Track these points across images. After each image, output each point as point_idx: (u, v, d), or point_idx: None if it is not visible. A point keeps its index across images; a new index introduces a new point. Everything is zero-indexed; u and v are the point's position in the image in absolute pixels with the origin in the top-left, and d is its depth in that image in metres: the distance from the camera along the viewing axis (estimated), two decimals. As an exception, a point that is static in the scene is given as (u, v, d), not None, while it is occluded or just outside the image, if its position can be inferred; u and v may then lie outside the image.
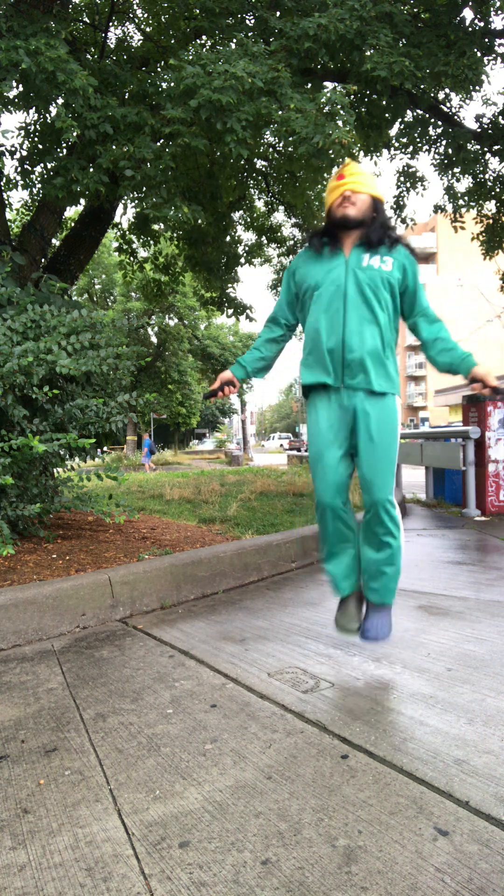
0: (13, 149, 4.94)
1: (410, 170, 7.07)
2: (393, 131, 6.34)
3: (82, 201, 5.13)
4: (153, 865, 1.20)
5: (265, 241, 9.15)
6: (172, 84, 4.29)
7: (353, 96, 5.23)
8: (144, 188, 4.32)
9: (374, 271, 2.11)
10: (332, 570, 2.34)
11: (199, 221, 7.23)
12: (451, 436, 6.76)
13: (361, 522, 2.24)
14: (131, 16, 6.69)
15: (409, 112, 5.98)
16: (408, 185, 7.16)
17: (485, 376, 2.10)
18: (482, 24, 5.32)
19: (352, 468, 2.24)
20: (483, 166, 6.19)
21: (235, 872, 1.17)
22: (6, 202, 5.56)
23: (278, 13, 5.10)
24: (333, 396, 2.17)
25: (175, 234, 7.98)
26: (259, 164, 7.85)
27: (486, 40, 5.23)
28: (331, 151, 3.99)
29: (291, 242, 9.39)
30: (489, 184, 6.37)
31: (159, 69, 5.66)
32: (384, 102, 5.27)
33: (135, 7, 6.68)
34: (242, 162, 6.43)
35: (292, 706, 1.87)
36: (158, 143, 4.56)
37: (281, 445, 51.26)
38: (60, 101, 4.09)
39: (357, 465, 2.19)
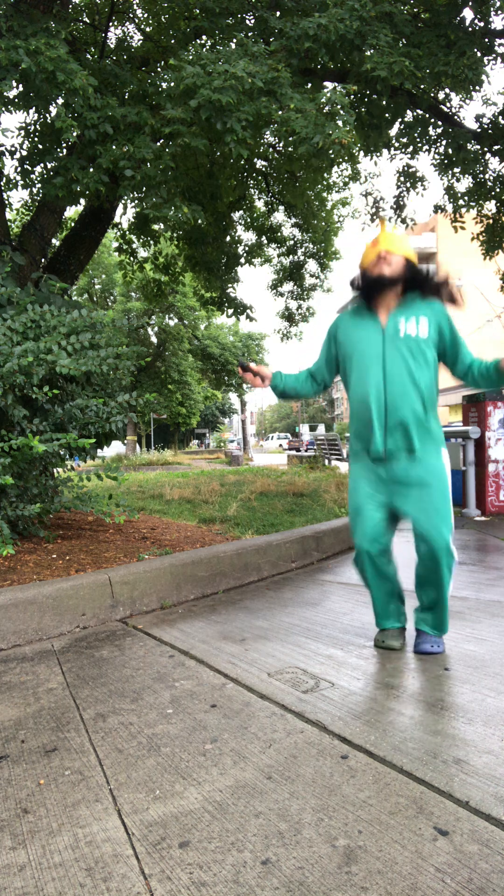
0: (13, 149, 4.93)
1: (410, 170, 7.06)
2: (393, 131, 6.34)
3: (82, 201, 5.12)
4: (153, 865, 1.20)
5: (265, 241, 9.15)
6: (172, 84, 4.28)
7: (353, 96, 5.23)
8: (144, 188, 4.32)
9: (412, 340, 2.19)
10: (376, 610, 2.46)
11: (199, 221, 7.23)
12: (451, 436, 6.76)
13: (418, 567, 2.31)
14: (131, 16, 6.69)
15: (409, 112, 5.98)
16: (408, 185, 7.15)
17: None
18: (482, 24, 5.32)
19: (391, 523, 2.36)
20: (483, 166, 6.19)
21: (235, 872, 1.17)
22: (6, 202, 5.55)
23: (278, 13, 5.10)
24: (378, 461, 2.29)
25: (175, 234, 7.97)
26: (259, 164, 7.85)
27: (486, 40, 5.22)
28: (331, 151, 3.99)
29: (291, 242, 9.39)
30: (489, 184, 6.37)
31: (159, 69, 5.65)
32: (384, 102, 5.26)
33: (135, 7, 6.68)
34: (242, 162, 6.43)
35: (292, 706, 1.88)
36: (158, 143, 4.56)
37: (280, 445, 51.23)
38: (60, 101, 4.09)
39: (411, 522, 2.27)
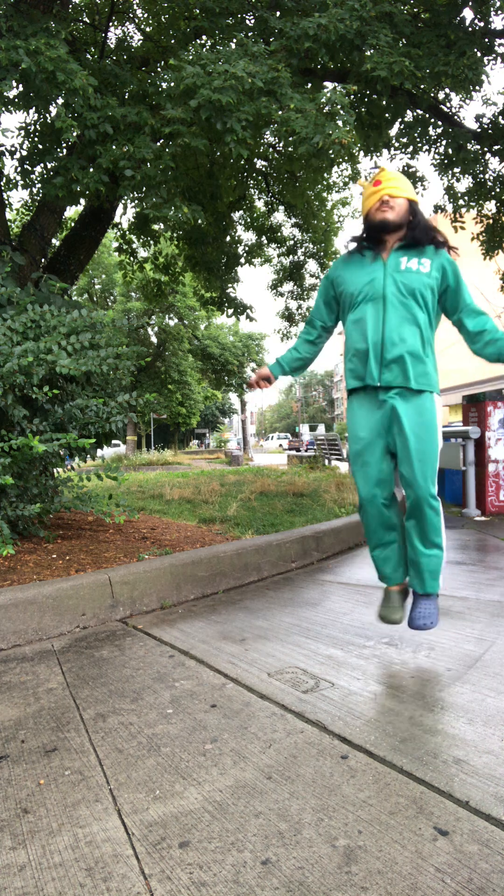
0: (13, 149, 4.93)
1: (410, 170, 7.06)
2: (393, 131, 6.34)
3: (82, 201, 5.12)
4: (153, 865, 1.20)
5: (265, 241, 9.15)
6: (172, 84, 4.28)
7: (353, 96, 5.23)
8: (144, 188, 4.32)
9: (413, 274, 2.16)
10: (378, 563, 2.41)
11: (199, 221, 7.23)
12: (451, 436, 6.76)
13: (405, 517, 2.28)
14: (131, 16, 6.69)
15: (409, 112, 5.98)
16: (408, 185, 7.14)
17: None
18: (482, 24, 5.32)
19: (392, 465, 2.31)
20: (483, 166, 6.19)
21: (235, 872, 1.17)
22: (6, 202, 5.55)
23: (278, 13, 5.10)
24: (373, 396, 2.24)
25: (175, 234, 7.97)
26: (259, 164, 7.85)
27: (486, 40, 5.22)
28: (331, 151, 3.99)
29: (291, 242, 9.39)
30: (489, 184, 6.37)
31: (159, 69, 5.65)
32: (384, 102, 5.26)
33: (135, 7, 6.68)
34: (242, 162, 6.43)
35: (292, 706, 1.88)
36: (158, 143, 4.55)
37: (280, 445, 51.22)
38: (60, 101, 4.09)
39: (398, 463, 2.24)
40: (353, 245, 2.34)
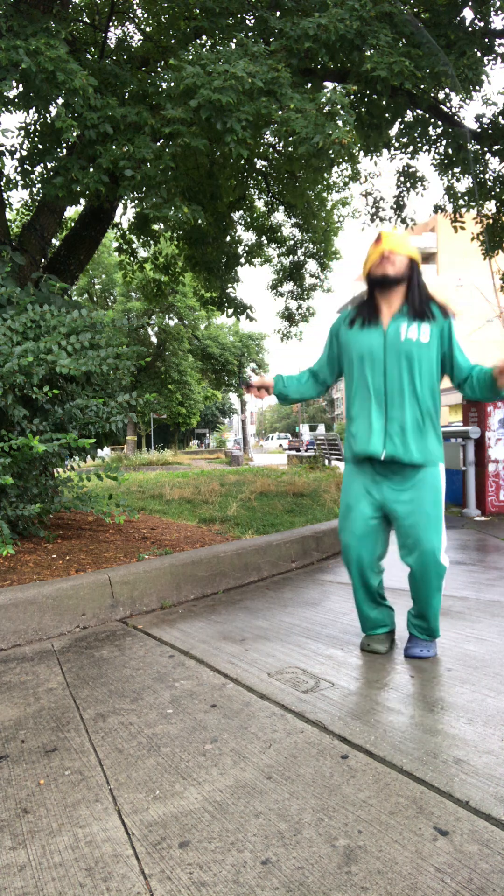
0: (13, 149, 4.93)
1: (410, 170, 7.06)
2: (393, 131, 6.34)
3: (82, 201, 5.12)
4: (153, 865, 1.20)
5: (265, 241, 9.14)
6: (172, 84, 4.28)
7: (353, 96, 5.23)
8: (144, 188, 4.32)
9: (413, 345, 2.18)
10: (360, 616, 2.42)
11: (199, 221, 7.23)
12: (451, 436, 6.76)
13: (410, 576, 2.29)
14: (131, 16, 6.68)
15: (409, 112, 5.98)
16: (408, 185, 7.15)
17: (500, 366, 2.12)
18: (482, 24, 5.32)
19: (383, 530, 2.32)
20: (483, 166, 6.19)
21: (235, 872, 1.17)
22: (6, 202, 5.55)
23: (278, 13, 5.10)
24: (373, 466, 2.27)
25: (175, 234, 7.97)
26: (259, 164, 7.85)
27: (486, 40, 5.22)
28: (331, 151, 3.99)
29: (291, 242, 9.39)
30: (489, 184, 6.37)
31: (159, 69, 5.65)
32: (384, 102, 5.26)
33: (135, 7, 6.68)
34: (242, 162, 6.43)
35: (292, 706, 1.88)
36: (158, 143, 4.55)
37: (280, 445, 51.22)
38: (60, 101, 4.09)
39: (399, 532, 2.26)
40: (354, 311, 2.35)
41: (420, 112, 6.01)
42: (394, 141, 6.60)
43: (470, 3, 5.17)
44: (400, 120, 6.01)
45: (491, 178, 6.35)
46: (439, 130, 6.24)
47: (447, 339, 2.23)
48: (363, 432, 2.25)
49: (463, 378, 2.24)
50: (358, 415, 2.28)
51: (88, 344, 3.55)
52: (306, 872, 1.16)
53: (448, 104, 6.31)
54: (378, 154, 6.58)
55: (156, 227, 7.70)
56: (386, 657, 2.30)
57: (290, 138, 4.15)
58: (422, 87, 5.09)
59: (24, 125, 4.92)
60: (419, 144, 6.42)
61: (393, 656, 2.31)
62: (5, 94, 3.78)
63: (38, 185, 5.19)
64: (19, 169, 4.98)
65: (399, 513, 2.22)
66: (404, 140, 6.47)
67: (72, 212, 11.87)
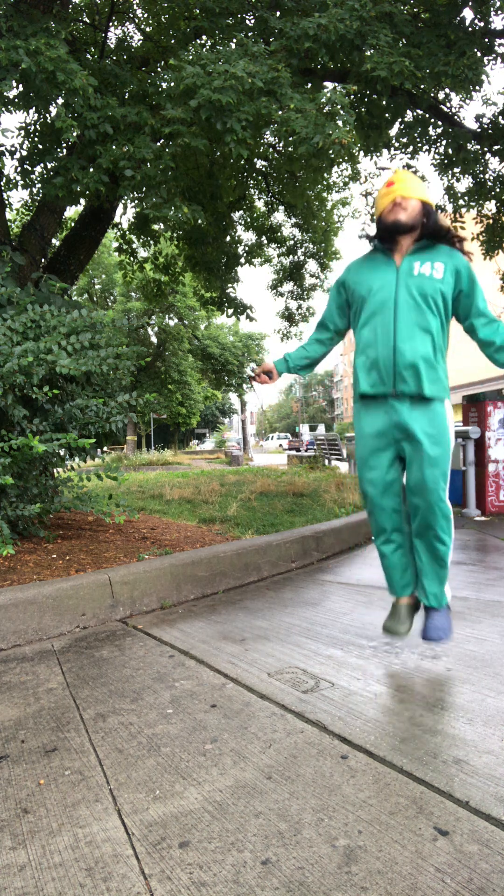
0: (13, 149, 4.93)
1: (410, 170, 7.06)
2: (393, 131, 6.34)
3: (82, 201, 5.12)
4: (153, 865, 1.20)
5: (265, 241, 9.14)
6: (172, 84, 4.28)
7: (353, 96, 5.23)
8: (144, 188, 4.32)
9: (426, 279, 2.14)
10: (386, 568, 2.38)
11: (199, 221, 7.23)
12: (451, 436, 6.74)
13: (414, 524, 2.25)
14: (131, 16, 6.68)
15: (409, 112, 5.98)
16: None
17: None
18: (482, 24, 5.32)
19: (400, 471, 2.29)
20: (483, 166, 6.18)
21: (235, 872, 1.17)
22: (6, 202, 5.55)
23: (278, 13, 5.10)
24: (383, 402, 2.22)
25: (175, 234, 7.97)
26: (259, 164, 7.85)
27: (486, 40, 5.22)
28: (331, 151, 3.99)
29: (291, 242, 9.39)
30: (489, 184, 6.36)
31: (159, 69, 5.65)
32: (384, 102, 5.26)
33: (135, 7, 6.68)
34: (242, 162, 6.43)
35: (292, 706, 1.87)
36: (158, 143, 4.55)
37: (280, 445, 51.21)
38: (60, 101, 4.09)
39: (407, 469, 2.22)
40: (367, 242, 2.31)
41: (420, 112, 6.01)
42: (394, 141, 6.59)
43: (470, 3, 5.17)
44: (400, 120, 6.01)
45: (491, 178, 6.34)
46: (439, 130, 6.24)
47: (466, 279, 2.18)
48: (373, 367, 2.20)
49: (485, 339, 2.19)
50: (367, 350, 2.22)
51: (88, 344, 3.55)
52: (306, 872, 1.16)
53: (448, 104, 6.31)
54: (378, 154, 6.57)
55: (156, 227, 7.70)
56: (386, 658, 2.30)
57: (290, 138, 4.15)
58: (422, 87, 5.08)
59: (24, 125, 4.92)
60: (419, 144, 6.41)
61: (393, 656, 2.31)
62: (5, 94, 3.78)
63: (38, 185, 5.19)
64: (19, 169, 4.98)
65: (408, 448, 2.19)
66: (404, 140, 6.46)
67: (72, 212, 11.87)
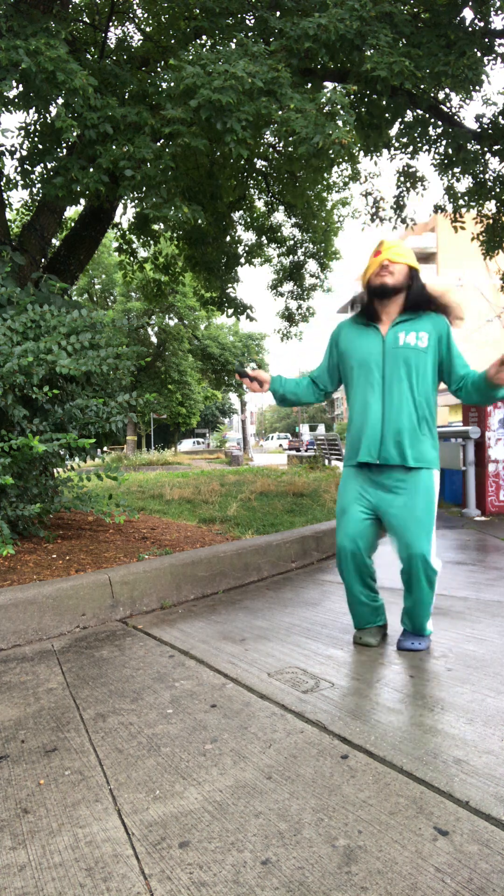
0: (13, 149, 4.93)
1: (410, 170, 7.06)
2: (393, 131, 6.33)
3: (82, 201, 5.12)
4: (153, 865, 1.20)
5: (265, 241, 9.14)
6: (172, 84, 4.28)
7: (353, 96, 5.22)
8: (144, 188, 4.32)
9: (410, 350, 2.21)
10: (354, 614, 2.46)
11: (199, 221, 7.23)
12: (451, 436, 6.76)
13: (401, 573, 2.33)
14: (131, 16, 6.68)
15: (409, 112, 5.97)
16: (408, 185, 7.15)
17: (495, 363, 2.13)
18: (482, 24, 5.31)
19: (376, 528, 2.36)
20: (483, 166, 6.18)
21: (235, 872, 1.17)
22: (6, 202, 5.55)
23: (278, 13, 5.09)
24: (369, 471, 2.31)
25: (175, 234, 7.97)
26: (259, 164, 7.85)
27: (486, 40, 5.22)
28: (331, 151, 3.99)
29: (291, 242, 9.39)
30: (489, 184, 6.36)
31: (159, 69, 5.65)
32: (384, 102, 5.26)
33: (135, 7, 6.68)
34: (242, 162, 6.43)
35: (292, 706, 1.88)
36: (158, 143, 4.55)
37: (280, 445, 51.19)
38: (60, 101, 4.08)
39: (390, 530, 2.29)
40: (353, 320, 2.38)
41: (420, 112, 6.00)
42: (394, 141, 6.59)
43: (470, 3, 5.17)
44: (400, 120, 6.00)
45: (491, 178, 6.34)
46: (439, 130, 6.24)
47: (445, 345, 2.25)
48: (360, 436, 2.29)
49: (459, 385, 2.26)
50: (356, 419, 2.32)
51: (88, 344, 3.55)
52: (306, 872, 1.16)
53: (448, 104, 6.31)
54: (378, 154, 6.57)
55: (156, 227, 7.70)
56: (386, 658, 2.30)
57: (290, 138, 4.15)
58: (422, 87, 5.08)
59: (24, 125, 4.92)
60: (419, 144, 6.41)
61: (393, 657, 2.31)
62: (5, 94, 3.78)
63: (38, 185, 5.19)
64: (19, 169, 4.97)
65: (391, 517, 2.25)
66: (404, 140, 6.46)
67: (72, 212, 11.87)
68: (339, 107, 4.15)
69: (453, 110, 6.32)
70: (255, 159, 7.36)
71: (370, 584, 2.41)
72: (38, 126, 4.94)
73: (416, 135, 6.23)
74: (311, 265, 9.77)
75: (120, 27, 6.77)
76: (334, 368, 2.48)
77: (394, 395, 2.21)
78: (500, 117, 5.85)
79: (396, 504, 2.24)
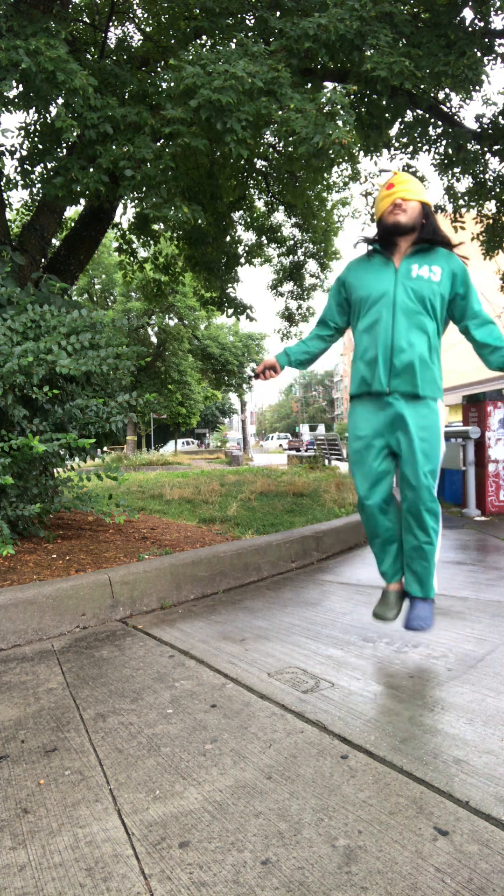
0: (13, 149, 4.93)
1: (410, 170, 7.05)
2: (393, 131, 6.33)
3: (82, 201, 5.12)
4: (153, 865, 1.20)
5: (265, 241, 9.14)
6: (172, 84, 4.28)
7: (353, 96, 5.22)
8: (144, 188, 4.32)
9: (423, 282, 2.20)
10: (378, 558, 2.44)
11: (199, 221, 7.22)
12: (451, 436, 6.76)
13: (402, 514, 2.31)
14: (131, 16, 6.68)
15: (409, 112, 5.97)
16: (408, 185, 7.13)
17: None
18: (482, 24, 5.31)
19: (393, 468, 2.34)
20: (483, 166, 6.18)
21: (235, 872, 1.17)
22: (6, 202, 5.55)
23: (278, 13, 5.09)
24: (378, 400, 2.28)
25: (175, 234, 7.97)
26: (259, 164, 7.84)
27: (486, 40, 5.21)
28: (331, 151, 3.99)
29: (291, 242, 9.38)
30: (489, 184, 6.36)
31: (159, 69, 5.65)
32: (384, 102, 5.26)
33: (135, 7, 6.67)
34: (242, 162, 6.43)
35: (292, 706, 1.87)
36: (158, 143, 4.55)
37: (280, 445, 51.19)
38: (60, 101, 4.08)
39: (401, 464, 2.27)
40: (366, 247, 2.37)
41: (420, 112, 6.00)
42: (394, 141, 6.59)
43: (470, 3, 5.16)
44: (400, 120, 6.00)
45: (491, 178, 6.34)
46: (439, 130, 6.24)
47: (461, 283, 2.24)
48: (370, 366, 2.26)
49: (480, 341, 2.24)
50: (365, 350, 2.28)
51: (88, 344, 3.55)
52: (306, 872, 1.16)
53: (448, 104, 6.31)
54: (378, 154, 6.57)
55: (156, 227, 7.70)
56: (386, 658, 2.30)
57: (290, 138, 4.15)
58: (422, 87, 5.08)
59: (24, 125, 4.92)
60: (419, 144, 6.41)
61: (393, 656, 2.31)
62: (5, 94, 3.77)
63: (38, 185, 5.19)
64: (19, 169, 4.97)
65: (401, 444, 2.23)
66: (404, 140, 6.46)
67: (72, 212, 11.87)
68: (339, 107, 4.15)
69: (453, 110, 6.32)
70: (255, 159, 7.36)
71: (394, 528, 2.37)
72: (38, 126, 4.94)
73: (416, 135, 6.23)
74: (311, 265, 9.77)
75: (120, 27, 6.77)
76: (343, 302, 2.44)
77: (405, 324, 2.19)
78: (500, 117, 5.84)
79: (403, 439, 2.22)
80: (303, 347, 2.52)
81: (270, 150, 7.26)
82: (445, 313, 2.28)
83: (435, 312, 2.21)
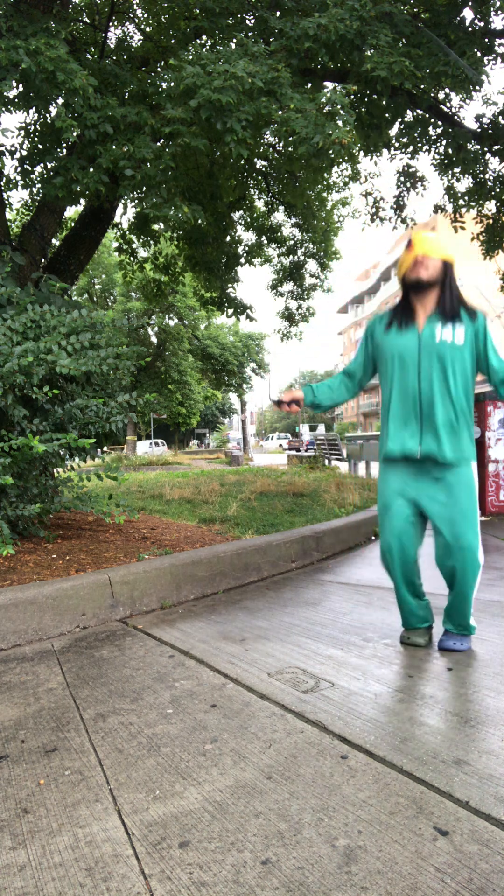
0: (13, 149, 4.93)
1: (410, 170, 7.06)
2: (393, 131, 6.33)
3: (82, 201, 5.12)
4: (153, 865, 1.20)
5: (265, 241, 9.14)
6: (172, 84, 4.28)
7: (353, 96, 5.23)
8: (144, 188, 4.32)
9: (447, 346, 2.22)
10: (401, 609, 2.48)
11: (199, 221, 7.23)
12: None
13: (445, 573, 2.35)
14: (131, 16, 6.68)
15: (409, 112, 5.98)
16: (408, 185, 7.15)
17: None
18: (482, 24, 5.32)
19: (420, 525, 2.37)
20: (483, 166, 6.19)
21: (235, 872, 1.17)
22: (6, 202, 5.55)
23: (278, 13, 5.09)
24: (409, 466, 2.32)
25: (175, 234, 7.97)
26: (259, 164, 7.85)
27: (486, 40, 5.22)
28: (331, 151, 3.99)
29: (291, 242, 9.39)
30: (489, 184, 6.36)
31: (159, 69, 5.65)
32: (384, 102, 5.26)
33: (135, 7, 6.68)
34: (242, 162, 6.43)
35: (292, 706, 1.88)
36: (158, 143, 4.55)
37: (280, 445, 51.16)
38: (60, 100, 4.09)
39: (436, 531, 2.31)
40: (389, 314, 2.40)
41: (420, 112, 6.01)
42: (394, 141, 6.59)
43: (470, 3, 5.17)
44: (400, 120, 6.01)
45: (491, 178, 6.34)
46: (439, 130, 6.24)
47: (482, 340, 2.26)
48: (399, 432, 2.30)
49: (499, 379, 2.28)
50: (393, 415, 2.32)
51: (88, 344, 3.55)
52: (306, 872, 1.16)
53: (448, 104, 6.31)
54: (378, 154, 6.57)
55: (156, 227, 7.70)
56: (386, 658, 2.30)
57: (290, 138, 4.15)
58: (422, 87, 5.08)
59: (24, 125, 4.92)
60: (419, 144, 6.41)
61: (393, 657, 2.31)
62: (5, 94, 3.78)
63: (38, 185, 5.19)
64: (19, 169, 4.97)
65: (436, 511, 2.26)
66: (404, 140, 6.46)
67: (72, 212, 11.87)
68: (339, 107, 4.16)
69: (453, 110, 6.32)
70: (255, 159, 7.36)
71: (416, 584, 2.42)
72: (38, 126, 4.94)
73: (416, 135, 6.23)
74: (311, 265, 9.77)
75: (120, 27, 6.77)
76: (370, 360, 2.48)
77: (431, 390, 2.22)
78: (500, 117, 5.85)
79: (439, 498, 2.25)
80: (329, 393, 2.54)
81: (270, 150, 7.26)
82: (474, 373, 2.30)
83: (460, 374, 2.23)
